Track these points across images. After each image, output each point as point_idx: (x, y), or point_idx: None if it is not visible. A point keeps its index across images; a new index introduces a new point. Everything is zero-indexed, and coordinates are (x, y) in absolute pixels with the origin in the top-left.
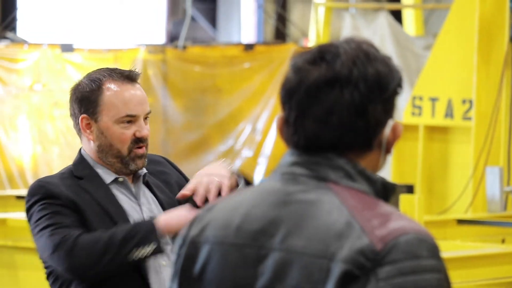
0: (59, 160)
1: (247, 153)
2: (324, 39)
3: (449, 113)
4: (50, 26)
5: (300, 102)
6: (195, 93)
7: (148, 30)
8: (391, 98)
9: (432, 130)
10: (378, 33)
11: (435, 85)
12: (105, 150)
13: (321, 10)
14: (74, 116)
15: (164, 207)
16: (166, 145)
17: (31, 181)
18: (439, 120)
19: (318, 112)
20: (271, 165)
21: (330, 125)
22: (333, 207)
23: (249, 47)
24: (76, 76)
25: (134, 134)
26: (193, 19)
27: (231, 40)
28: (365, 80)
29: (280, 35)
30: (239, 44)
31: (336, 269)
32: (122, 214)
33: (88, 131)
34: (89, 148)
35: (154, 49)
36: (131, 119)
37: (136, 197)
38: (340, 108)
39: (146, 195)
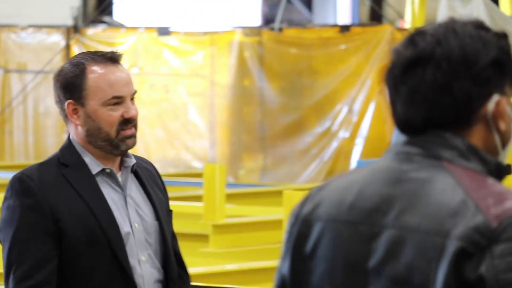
0: (155, 143)
1: (343, 134)
2: (419, 20)
3: None
4: (147, 10)
5: (393, 84)
6: (291, 75)
7: (244, 13)
8: (484, 72)
9: None
10: (474, 13)
11: None
12: (94, 134)
13: None
14: (59, 102)
15: (152, 199)
16: (263, 127)
17: None
18: None
19: (405, 94)
20: (368, 146)
21: (416, 104)
22: (447, 185)
23: (345, 28)
24: (173, 59)
25: (122, 116)
26: (288, 1)
27: (327, 21)
28: (448, 59)
29: (376, 16)
30: (335, 25)
31: (451, 247)
32: (105, 209)
33: (75, 116)
34: (76, 133)
35: (250, 31)
36: (117, 101)
37: (122, 188)
38: (424, 88)
39: (133, 186)
